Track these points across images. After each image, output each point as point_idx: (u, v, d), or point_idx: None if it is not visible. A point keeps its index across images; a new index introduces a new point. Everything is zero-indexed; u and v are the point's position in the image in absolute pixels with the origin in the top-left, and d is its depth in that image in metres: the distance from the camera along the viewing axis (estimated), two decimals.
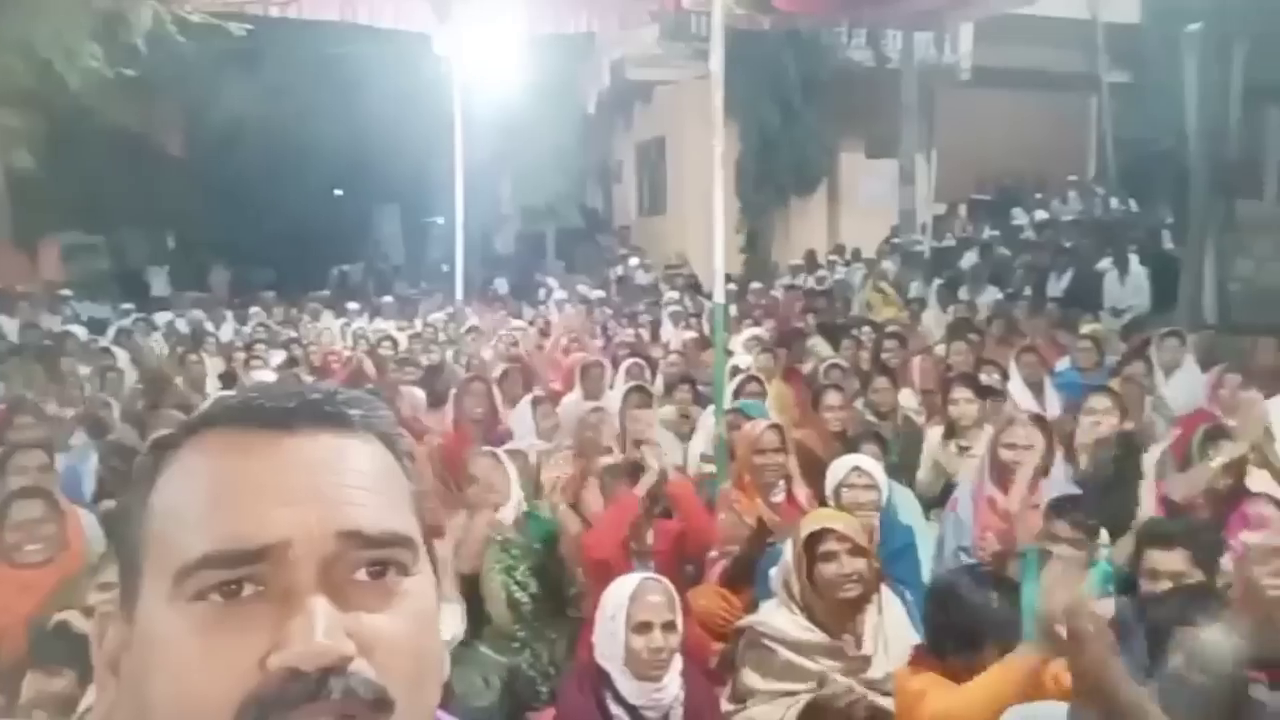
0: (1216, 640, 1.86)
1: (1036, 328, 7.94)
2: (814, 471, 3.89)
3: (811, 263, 14.17)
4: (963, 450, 4.65)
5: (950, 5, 11.70)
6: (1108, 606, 2.36)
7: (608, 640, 2.57)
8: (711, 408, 4.85)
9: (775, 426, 4.07)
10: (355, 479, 0.61)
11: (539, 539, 3.70)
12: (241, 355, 8.28)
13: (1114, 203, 14.28)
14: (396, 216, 22.02)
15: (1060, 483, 3.57)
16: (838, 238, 15.69)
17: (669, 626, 2.54)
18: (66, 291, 13.42)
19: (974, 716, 2.08)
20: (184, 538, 0.58)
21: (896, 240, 13.88)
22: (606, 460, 4.03)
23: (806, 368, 6.94)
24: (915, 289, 11.27)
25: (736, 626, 2.79)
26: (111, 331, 10.29)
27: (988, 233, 13.85)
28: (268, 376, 7.42)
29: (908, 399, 5.86)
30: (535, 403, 5.37)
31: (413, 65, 11.76)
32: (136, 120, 14.81)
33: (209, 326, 11.11)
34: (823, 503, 3.56)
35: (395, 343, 8.58)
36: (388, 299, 13.28)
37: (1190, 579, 2.47)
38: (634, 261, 16.03)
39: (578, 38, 11.77)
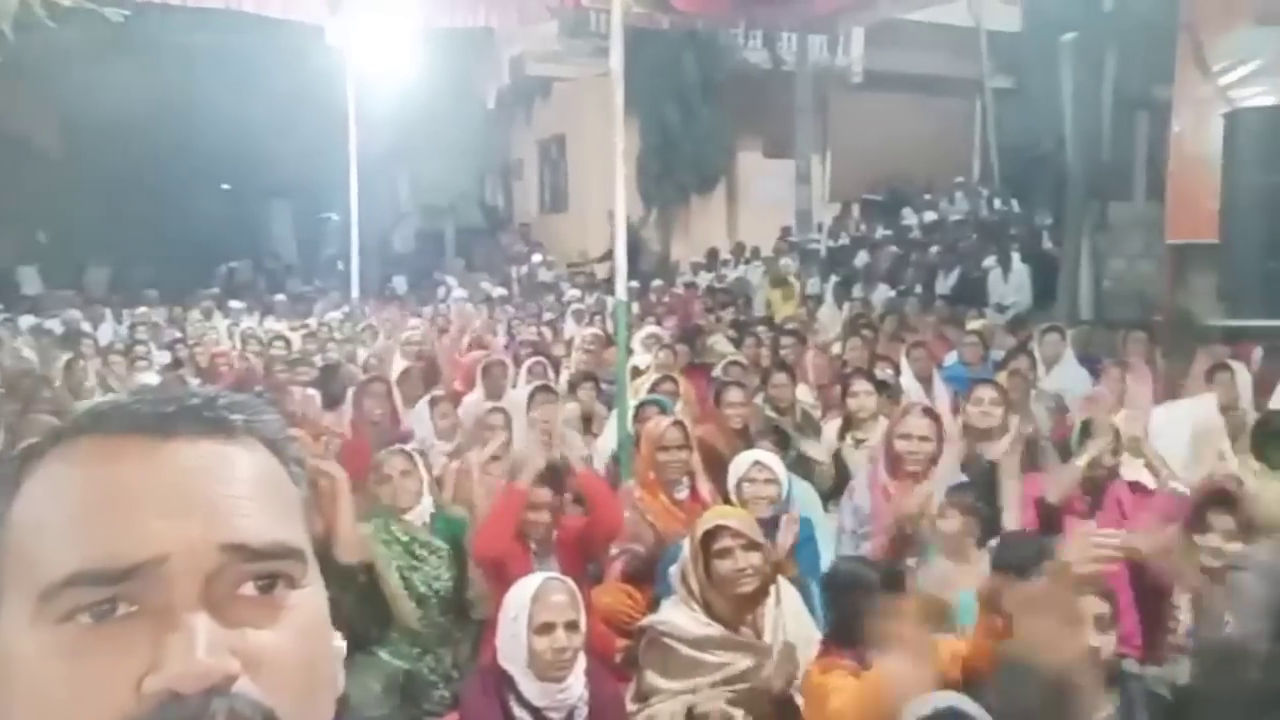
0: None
1: (926, 324, 8.24)
2: (717, 467, 3.94)
3: (713, 260, 14.35)
4: (859, 443, 4.79)
5: (841, 10, 12.03)
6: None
7: (510, 642, 2.54)
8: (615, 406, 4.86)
9: (678, 423, 4.10)
10: (239, 488, 0.58)
11: (446, 539, 3.64)
12: (121, 358, 7.89)
13: (998, 204, 14.89)
14: (288, 212, 21.31)
15: (951, 472, 3.71)
16: (737, 236, 15.93)
17: (572, 626, 2.53)
18: None
19: (875, 705, 2.13)
20: (50, 554, 0.54)
21: (794, 239, 14.18)
22: (490, 454, 4.00)
23: (709, 365, 7.02)
24: (812, 286, 11.54)
25: (638, 626, 2.80)
26: None
27: (880, 232, 14.27)
28: (151, 379, 7.11)
29: (806, 394, 6.00)
30: (433, 403, 5.28)
31: (304, 57, 11.41)
32: (3, 111, 13.96)
33: (86, 327, 10.56)
34: (726, 498, 3.60)
35: (288, 342, 8.32)
36: (280, 297, 12.88)
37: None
38: (536, 259, 15.94)
39: (476, 32, 11.63)
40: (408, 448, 3.94)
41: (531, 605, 2.52)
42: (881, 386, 5.18)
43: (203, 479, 0.57)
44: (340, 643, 0.66)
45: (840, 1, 11.44)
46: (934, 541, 3.15)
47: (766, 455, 3.66)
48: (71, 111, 15.65)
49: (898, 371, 5.96)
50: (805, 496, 4.08)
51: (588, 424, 5.82)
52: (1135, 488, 3.71)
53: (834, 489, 4.44)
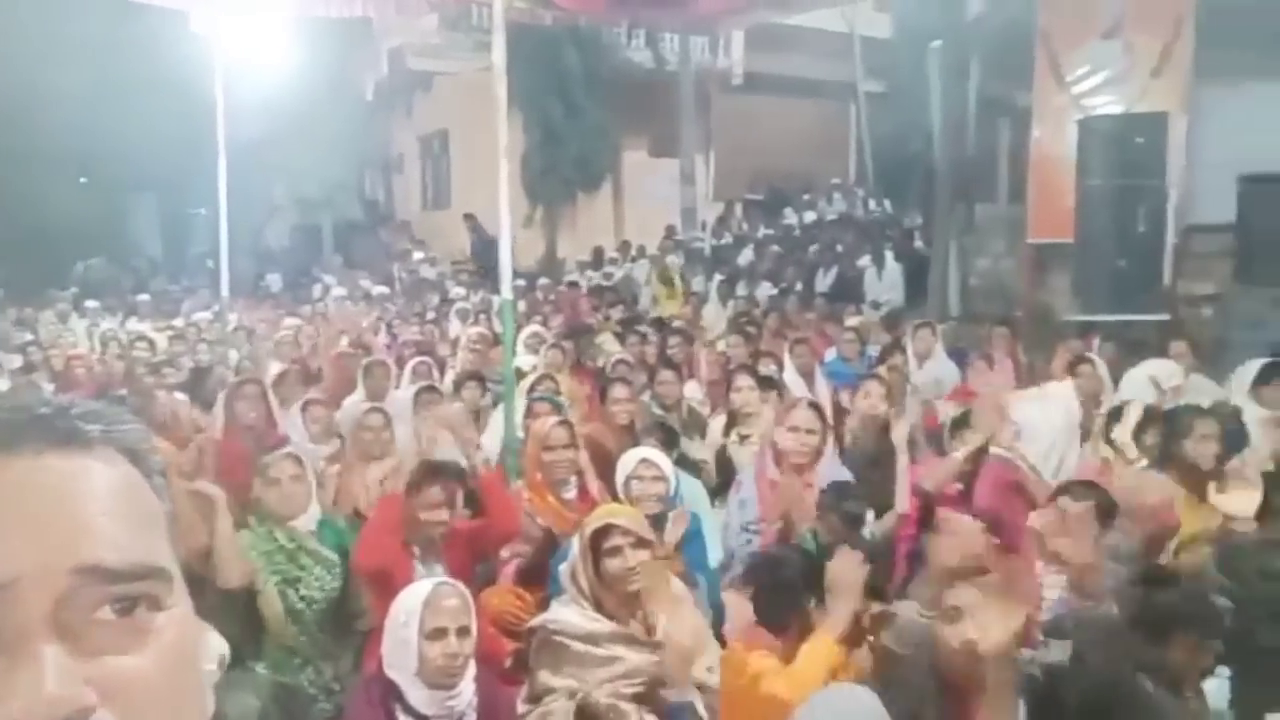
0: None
1: (807, 321, 8.46)
2: (605, 465, 3.94)
3: (599, 259, 14.37)
4: (744, 439, 4.88)
5: (721, 13, 12.21)
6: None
7: (399, 649, 2.48)
8: (502, 406, 4.81)
9: (564, 423, 4.09)
10: (94, 505, 0.54)
11: (333, 547, 3.52)
12: None
13: (872, 204, 15.42)
14: (153, 206, 20.20)
15: (831, 465, 3.82)
16: (623, 234, 16.01)
17: (464, 632, 2.49)
18: None
19: (806, 686, 2.30)
20: None
21: (679, 237, 14.34)
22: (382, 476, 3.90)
23: (593, 363, 7.04)
24: (697, 285, 11.70)
25: (529, 626, 2.78)
26: None
27: (762, 231, 14.58)
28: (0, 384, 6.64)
29: (694, 391, 6.07)
30: (305, 406, 5.10)
31: (167, 44, 10.85)
32: None
33: None
34: (615, 496, 3.61)
35: (152, 344, 7.90)
36: (144, 297, 12.22)
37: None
38: (418, 256, 15.61)
39: (354, 23, 11.29)
40: (295, 451, 3.79)
41: (423, 610, 2.46)
42: (765, 382, 5.29)
43: (54, 495, 0.53)
44: (223, 649, 0.62)
45: (719, 4, 11.61)
46: (813, 536, 3.23)
47: (653, 453, 3.67)
48: None
49: (781, 367, 6.09)
50: (693, 492, 4.13)
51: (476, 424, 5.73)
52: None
53: (720, 485, 4.51)
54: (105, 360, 7.51)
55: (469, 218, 15.81)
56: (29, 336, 9.42)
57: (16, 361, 7.57)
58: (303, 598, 3.36)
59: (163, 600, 0.55)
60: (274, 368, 6.62)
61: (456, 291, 12.42)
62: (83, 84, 14.33)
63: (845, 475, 3.72)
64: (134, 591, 0.53)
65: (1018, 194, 10.41)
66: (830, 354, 7.22)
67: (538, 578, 3.60)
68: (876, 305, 10.29)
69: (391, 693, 2.48)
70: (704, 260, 13.03)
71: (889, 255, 11.01)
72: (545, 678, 2.66)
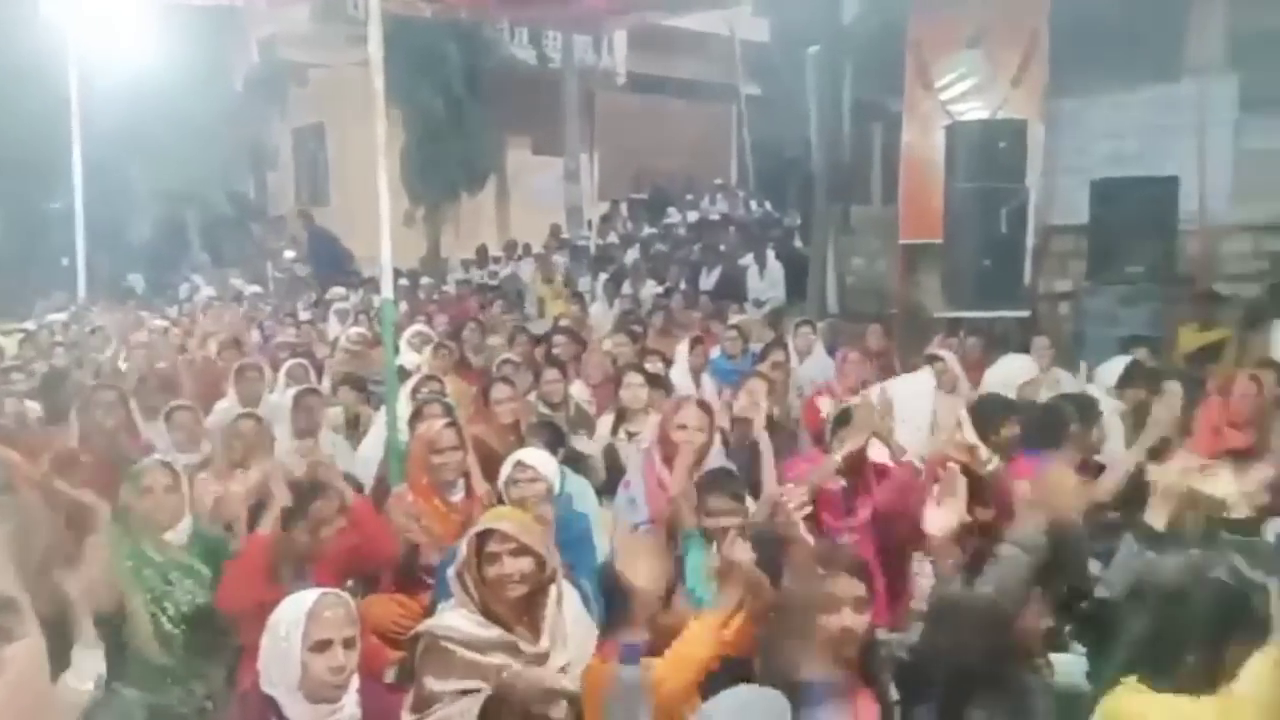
0: None
1: (692, 319, 8.57)
2: (492, 466, 3.89)
3: (483, 257, 14.19)
4: (631, 436, 4.91)
5: (603, 12, 12.24)
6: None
7: (279, 663, 2.38)
8: (384, 408, 4.69)
9: (453, 424, 4.02)
10: None
11: (204, 560, 3.35)
12: None
13: (754, 205, 15.73)
14: (1, 200, 18.84)
15: (718, 461, 3.87)
16: (508, 233, 15.85)
17: (349, 643, 2.41)
18: None
19: (685, 674, 2.39)
20: None
21: (565, 236, 14.30)
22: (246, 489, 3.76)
23: (480, 363, 6.94)
24: (583, 284, 11.69)
25: (414, 633, 2.71)
26: None
27: (647, 230, 14.68)
28: None
29: (580, 390, 6.06)
30: (168, 415, 4.85)
31: (15, 30, 10.14)
32: None
33: None
34: (501, 498, 3.57)
35: (0, 349, 7.39)
36: None
37: None
38: (291, 254, 15.06)
39: (221, 11, 10.82)
40: (167, 459, 3.59)
41: (307, 622, 2.37)
42: (652, 380, 5.33)
43: None
44: (100, 669, 0.58)
45: (601, 3, 11.63)
46: (697, 533, 3.26)
47: (530, 454, 3.64)
48: None
49: (668, 365, 6.15)
50: (581, 492, 4.12)
51: (353, 427, 5.58)
52: (879, 467, 4.04)
53: (608, 482, 4.52)
54: None
55: (303, 214, 15.35)
56: None
57: None
58: (170, 616, 3.19)
59: (11, 631, 0.51)
60: (135, 372, 6.29)
61: (336, 291, 12.05)
62: None
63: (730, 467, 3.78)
64: None
65: (890, 195, 10.83)
66: (715, 352, 7.34)
67: (416, 582, 3.53)
68: (759, 303, 10.49)
69: (270, 709, 2.38)
70: (589, 259, 13.04)
71: (770, 254, 11.25)
72: (431, 684, 2.60)
